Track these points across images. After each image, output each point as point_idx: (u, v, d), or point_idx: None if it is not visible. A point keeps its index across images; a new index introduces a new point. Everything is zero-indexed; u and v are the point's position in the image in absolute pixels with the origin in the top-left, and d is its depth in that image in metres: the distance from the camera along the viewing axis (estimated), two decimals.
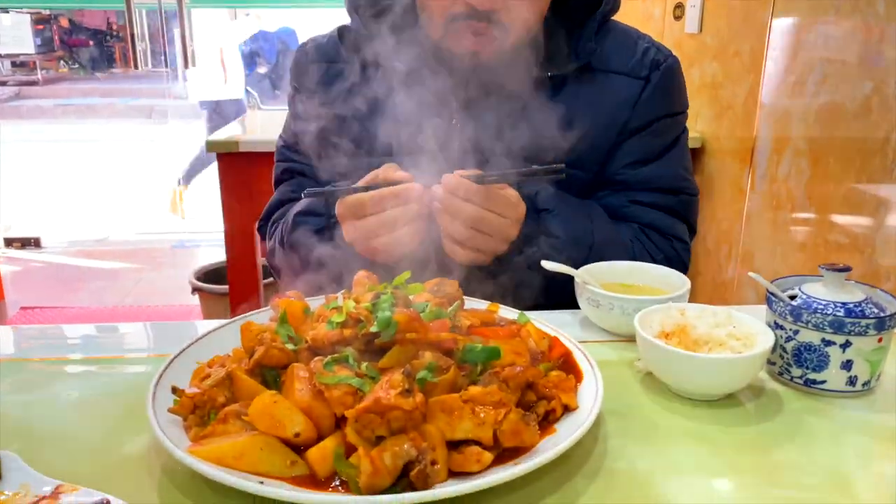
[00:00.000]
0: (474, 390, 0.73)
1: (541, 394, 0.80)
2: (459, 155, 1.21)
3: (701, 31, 2.88)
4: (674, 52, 1.34)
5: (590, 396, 0.82)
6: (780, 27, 2.40)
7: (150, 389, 0.80)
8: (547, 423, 0.80)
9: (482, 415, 0.72)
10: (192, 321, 1.13)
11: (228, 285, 3.02)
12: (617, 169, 1.28)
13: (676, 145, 1.31)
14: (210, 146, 2.80)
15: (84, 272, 4.81)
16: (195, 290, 3.33)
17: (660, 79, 1.26)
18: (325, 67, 1.34)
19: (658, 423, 0.86)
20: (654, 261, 1.23)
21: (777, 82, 2.42)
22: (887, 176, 1.93)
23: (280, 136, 1.47)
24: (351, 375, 0.75)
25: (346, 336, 0.81)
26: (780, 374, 0.94)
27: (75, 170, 7.97)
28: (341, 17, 1.38)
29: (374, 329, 0.79)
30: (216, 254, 4.06)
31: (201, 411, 0.78)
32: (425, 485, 0.66)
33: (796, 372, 0.92)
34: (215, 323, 1.00)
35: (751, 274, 0.96)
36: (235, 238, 2.96)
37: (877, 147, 1.94)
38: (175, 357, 0.88)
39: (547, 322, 1.00)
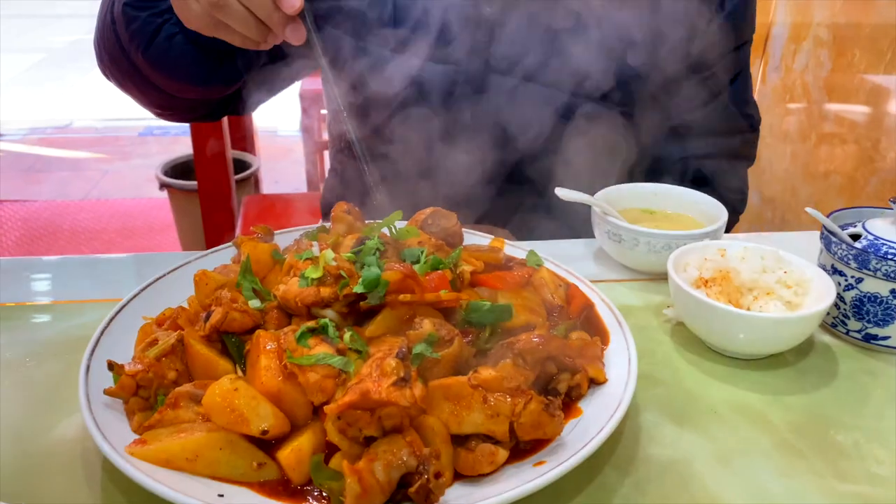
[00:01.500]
0: (485, 373, 0.59)
1: (562, 364, 0.66)
2: (479, 74, 1.01)
3: None
4: None
5: (620, 366, 0.68)
6: None
7: (82, 363, 0.65)
8: (569, 399, 0.66)
9: (496, 405, 0.58)
10: (154, 253, 0.96)
11: (197, 182, 2.82)
12: (673, 113, 1.08)
13: (740, 76, 1.10)
14: None
15: (46, 162, 4.54)
16: (163, 185, 3.13)
17: (734, 6, 1.03)
18: None
19: (696, 392, 0.73)
20: None
21: None
22: None
23: None
24: (331, 352, 0.60)
25: (325, 296, 0.65)
26: (834, 325, 0.81)
27: (33, 49, 7.46)
28: None
29: (358, 290, 0.64)
30: (186, 142, 3.81)
31: (146, 391, 0.63)
32: (428, 502, 0.53)
33: (854, 325, 0.79)
34: (170, 261, 0.83)
35: (808, 210, 0.80)
36: (202, 129, 2.73)
37: None
38: (114, 315, 0.73)
39: (559, 262, 0.85)
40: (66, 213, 3.80)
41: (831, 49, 2.07)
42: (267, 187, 3.52)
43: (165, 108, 1.08)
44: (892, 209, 0.79)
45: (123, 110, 5.46)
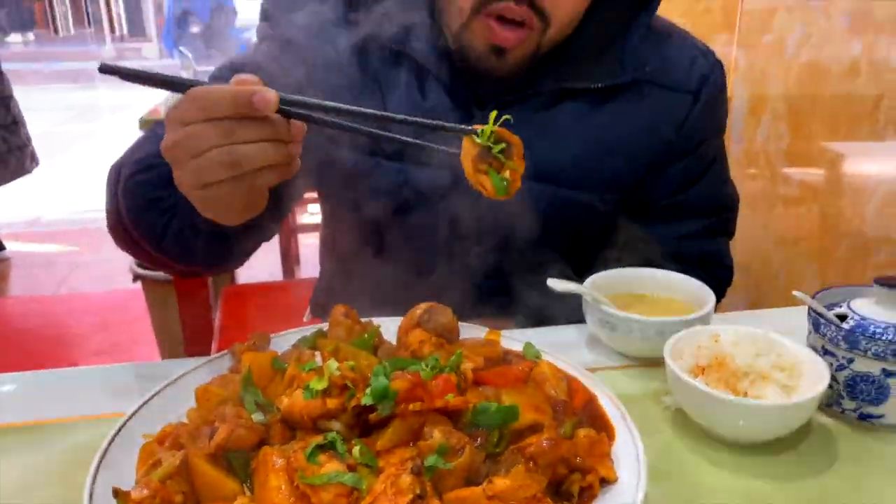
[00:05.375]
0: (500, 483, 0.59)
1: (572, 465, 0.66)
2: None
3: None
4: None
5: (628, 461, 0.68)
6: None
7: (85, 490, 0.64)
8: (581, 500, 0.66)
9: None
10: (141, 363, 0.95)
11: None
12: (656, 198, 1.12)
13: (718, 159, 1.16)
14: (143, 124, 2.55)
15: (14, 258, 4.48)
16: (136, 277, 3.09)
17: (709, 95, 1.08)
18: (317, 24, 1.03)
19: (703, 483, 0.73)
20: None
21: (753, 41, 2.30)
22: (878, 140, 1.83)
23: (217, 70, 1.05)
24: (342, 469, 0.60)
25: (331, 409, 0.65)
26: (830, 405, 0.82)
27: None
28: None
29: (366, 401, 0.64)
30: None
31: None
32: None
33: (849, 404, 0.80)
34: (158, 372, 0.82)
35: (796, 293, 0.82)
36: None
37: (865, 112, 1.84)
38: (114, 436, 0.71)
39: (554, 351, 0.86)
40: (35, 309, 3.73)
41: (789, 121, 2.16)
42: (241, 273, 3.50)
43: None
44: (872, 287, 0.82)
45: (92, 202, 5.45)
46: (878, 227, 1.83)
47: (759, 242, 2.34)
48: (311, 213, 3.99)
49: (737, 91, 2.41)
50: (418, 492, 0.54)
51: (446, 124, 0.77)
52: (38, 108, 9.10)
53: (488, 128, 0.74)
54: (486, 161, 0.75)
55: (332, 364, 0.68)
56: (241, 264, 1.02)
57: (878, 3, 1.78)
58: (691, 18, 2.62)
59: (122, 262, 3.58)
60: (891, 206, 1.78)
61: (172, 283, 2.88)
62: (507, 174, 0.75)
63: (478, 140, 0.74)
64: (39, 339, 3.39)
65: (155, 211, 0.86)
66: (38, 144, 4.27)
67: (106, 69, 0.68)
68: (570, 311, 1.03)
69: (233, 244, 0.89)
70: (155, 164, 0.85)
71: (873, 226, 1.85)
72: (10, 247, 4.50)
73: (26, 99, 4.42)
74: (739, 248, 2.45)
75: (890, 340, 0.77)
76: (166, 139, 0.71)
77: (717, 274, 1.18)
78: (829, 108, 1.99)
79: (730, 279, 1.22)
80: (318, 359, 0.69)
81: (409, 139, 0.80)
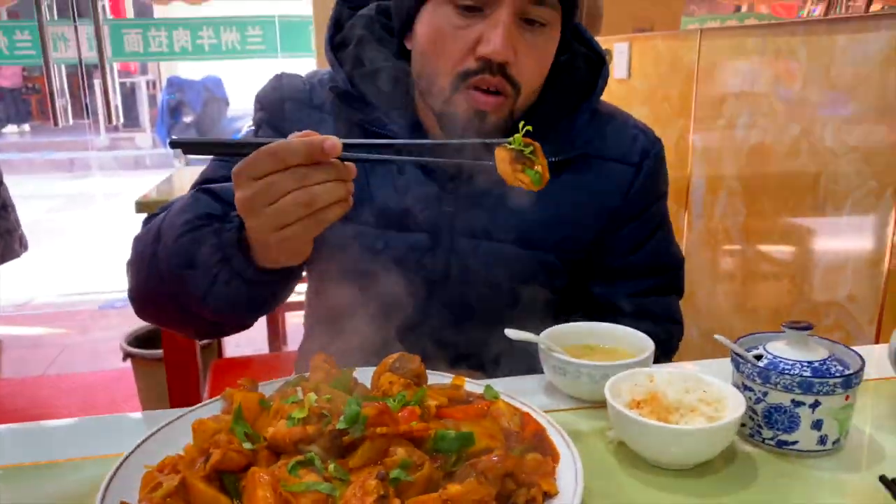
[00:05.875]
0: (453, 489, 0.69)
1: (519, 481, 0.77)
2: (447, 239, 1.18)
3: (630, 76, 2.97)
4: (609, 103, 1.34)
5: (569, 479, 0.79)
6: (707, 73, 2.48)
7: None
8: None
9: None
10: (134, 413, 1.04)
11: (163, 350, 2.88)
12: (609, 259, 1.26)
13: (662, 223, 1.31)
14: (140, 207, 2.69)
15: (4, 341, 4.53)
16: (127, 355, 3.17)
17: (650, 166, 1.24)
18: (307, 112, 1.20)
19: (640, 502, 0.83)
20: None
21: (707, 125, 2.50)
22: (820, 214, 1.99)
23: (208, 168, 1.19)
24: (319, 480, 0.70)
25: (310, 433, 0.76)
26: (752, 435, 0.93)
27: None
28: (268, 68, 1.31)
29: (340, 426, 0.75)
30: None
31: None
32: None
33: (767, 434, 0.92)
34: (160, 418, 0.93)
35: (717, 337, 0.95)
36: None
37: (807, 187, 2.01)
38: (121, 463, 0.81)
39: (513, 394, 0.97)
40: (22, 391, 3.77)
41: (743, 198, 2.33)
42: (230, 350, 3.58)
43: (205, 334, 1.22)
44: (784, 332, 0.95)
45: (83, 285, 5.55)
46: (825, 294, 1.97)
47: (722, 311, 2.48)
48: (296, 291, 4.09)
49: (696, 171, 2.59)
50: (382, 493, 0.65)
51: (481, 140, 0.98)
52: (30, 195, 9.28)
53: (518, 136, 0.92)
54: (520, 162, 0.92)
55: (312, 396, 0.79)
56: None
57: (811, 90, 1.98)
58: (652, 105, 2.84)
59: (110, 344, 3.67)
60: (834, 274, 1.93)
61: (161, 360, 2.96)
62: (538, 168, 0.92)
63: (510, 146, 0.92)
64: (23, 420, 3.43)
65: (203, 267, 0.97)
66: (29, 230, 4.40)
67: (175, 144, 0.86)
68: (532, 363, 1.15)
69: (277, 290, 1.03)
70: (202, 224, 0.99)
71: (821, 292, 1.99)
72: (1, 330, 4.56)
73: (19, 187, 4.58)
74: (705, 315, 2.58)
75: (797, 374, 0.89)
76: (241, 194, 0.85)
77: (668, 329, 1.31)
78: (777, 185, 2.17)
79: (681, 333, 1.34)
80: (300, 393, 0.80)
81: (464, 160, 0.99)
